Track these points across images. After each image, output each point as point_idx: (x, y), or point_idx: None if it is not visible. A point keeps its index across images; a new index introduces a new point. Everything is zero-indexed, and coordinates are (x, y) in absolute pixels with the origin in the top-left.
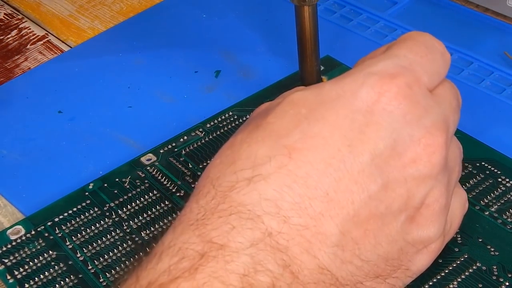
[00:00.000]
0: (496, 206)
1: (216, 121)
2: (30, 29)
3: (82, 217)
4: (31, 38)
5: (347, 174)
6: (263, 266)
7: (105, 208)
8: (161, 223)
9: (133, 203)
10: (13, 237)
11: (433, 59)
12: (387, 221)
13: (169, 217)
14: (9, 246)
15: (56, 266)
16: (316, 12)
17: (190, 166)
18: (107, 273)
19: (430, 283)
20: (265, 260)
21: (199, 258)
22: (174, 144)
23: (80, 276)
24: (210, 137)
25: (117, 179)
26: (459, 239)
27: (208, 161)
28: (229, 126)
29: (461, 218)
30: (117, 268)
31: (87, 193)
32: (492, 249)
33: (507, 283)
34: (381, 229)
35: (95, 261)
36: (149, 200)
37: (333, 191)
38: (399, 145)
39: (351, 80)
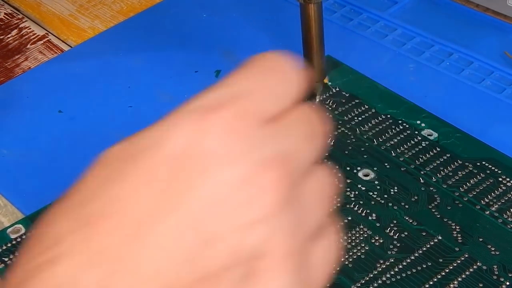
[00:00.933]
0: (496, 206)
1: None
2: (30, 28)
3: None
4: (32, 37)
5: (155, 239)
6: None
7: None
8: None
9: None
10: (13, 236)
11: (275, 83)
12: (215, 284)
13: None
14: (9, 245)
15: None
16: (321, 9)
17: None
18: None
19: (431, 283)
20: None
21: None
22: None
23: None
24: None
25: None
26: (459, 238)
27: None
28: None
29: (329, 273)
30: None
31: None
32: (493, 249)
33: (507, 283)
34: None
35: None
36: None
37: (140, 262)
38: (223, 190)
39: (166, 123)
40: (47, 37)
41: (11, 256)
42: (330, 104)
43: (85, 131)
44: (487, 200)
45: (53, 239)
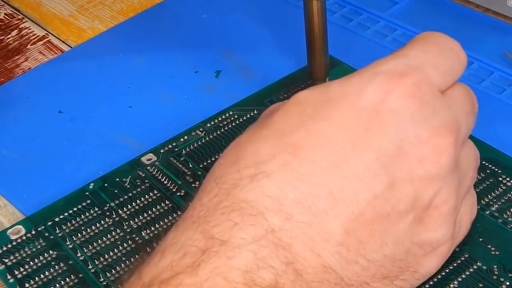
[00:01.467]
0: (496, 205)
1: (216, 121)
2: (30, 29)
3: (83, 216)
4: (32, 38)
5: (351, 173)
6: (265, 263)
7: (105, 208)
8: (161, 223)
9: (133, 203)
10: (13, 237)
11: (445, 59)
12: (393, 222)
13: (170, 217)
14: (9, 246)
15: (56, 266)
16: (324, 6)
17: (191, 165)
18: (107, 273)
19: (431, 283)
20: (268, 257)
21: (201, 254)
22: (174, 144)
23: (80, 275)
24: (211, 136)
25: (117, 179)
26: None
27: (209, 161)
28: (230, 126)
29: (470, 224)
30: (117, 267)
31: (87, 193)
32: (493, 249)
33: (507, 283)
34: (387, 229)
35: (96, 261)
36: (150, 200)
37: (337, 189)
38: (406, 144)
39: (357, 79)
40: (47, 37)
41: (11, 257)
42: None
43: (85, 131)
44: (487, 200)
45: (257, 158)
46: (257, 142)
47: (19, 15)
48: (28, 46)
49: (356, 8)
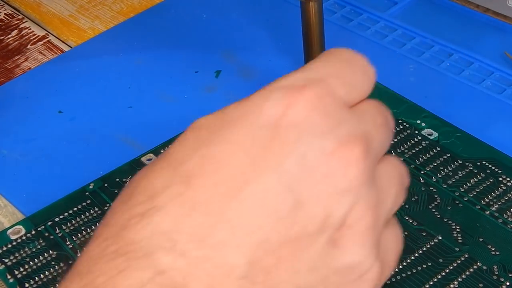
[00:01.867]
0: (496, 206)
1: None
2: (30, 29)
3: (83, 217)
4: (32, 38)
5: (251, 197)
6: None
7: (105, 208)
8: None
9: None
10: (13, 237)
11: (351, 73)
12: (304, 246)
13: None
14: (9, 246)
15: (56, 266)
16: (321, 7)
17: None
18: None
19: (431, 283)
20: None
21: None
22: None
23: None
24: None
25: (117, 179)
26: (459, 238)
27: None
28: None
29: (397, 256)
30: None
31: (87, 193)
32: (493, 249)
33: (507, 283)
34: (298, 255)
35: None
36: None
37: (236, 216)
38: (310, 159)
39: (255, 97)
40: (47, 37)
41: (11, 257)
42: None
43: (85, 132)
44: (487, 200)
45: (149, 192)
46: (151, 176)
47: (19, 15)
48: (28, 46)
49: (356, 8)
